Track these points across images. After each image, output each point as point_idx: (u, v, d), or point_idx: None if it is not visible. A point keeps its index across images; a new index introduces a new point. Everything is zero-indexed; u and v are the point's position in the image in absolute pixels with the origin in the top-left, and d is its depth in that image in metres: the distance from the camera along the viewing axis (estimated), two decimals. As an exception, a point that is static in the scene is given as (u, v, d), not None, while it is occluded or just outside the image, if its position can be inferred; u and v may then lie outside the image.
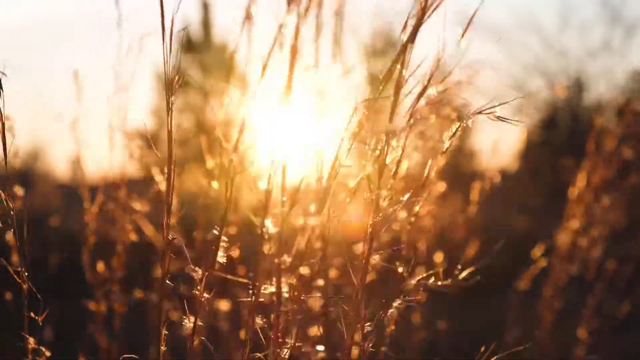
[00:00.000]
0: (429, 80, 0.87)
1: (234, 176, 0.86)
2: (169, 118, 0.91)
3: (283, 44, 0.81)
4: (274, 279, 0.86)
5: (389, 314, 0.90)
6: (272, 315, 0.87)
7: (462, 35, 0.87)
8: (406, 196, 0.89)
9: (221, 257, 0.90)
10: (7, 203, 1.00)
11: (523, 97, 12.83)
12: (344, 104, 0.82)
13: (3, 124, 0.99)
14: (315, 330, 1.25)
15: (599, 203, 2.28)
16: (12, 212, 1.01)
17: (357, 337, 0.90)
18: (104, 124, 1.91)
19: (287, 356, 0.87)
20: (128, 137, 1.95)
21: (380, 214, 0.88)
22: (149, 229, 1.99)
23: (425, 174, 0.98)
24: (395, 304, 0.90)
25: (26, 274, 1.06)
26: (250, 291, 0.88)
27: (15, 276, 1.06)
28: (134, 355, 1.01)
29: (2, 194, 0.99)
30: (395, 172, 0.88)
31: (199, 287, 0.89)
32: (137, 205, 1.93)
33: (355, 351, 0.91)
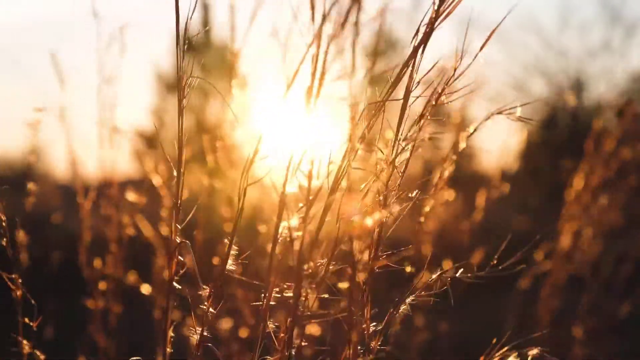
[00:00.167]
0: (443, 86, 0.87)
1: (246, 187, 0.86)
2: (180, 122, 0.90)
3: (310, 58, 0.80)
4: (293, 283, 0.85)
5: (400, 311, 0.90)
6: (287, 319, 0.87)
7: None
8: (415, 195, 0.89)
9: (230, 266, 0.90)
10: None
11: (528, 99, 12.85)
12: (349, 106, 0.82)
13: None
14: (319, 331, 1.26)
15: (596, 203, 2.28)
16: (3, 223, 1.01)
17: (364, 337, 0.90)
18: (92, 119, 1.92)
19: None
20: (118, 133, 1.96)
21: (389, 215, 0.88)
22: (147, 229, 1.99)
23: (435, 176, 0.98)
24: (407, 300, 0.91)
25: (20, 280, 1.06)
26: (262, 295, 0.88)
27: (10, 283, 1.06)
28: (135, 357, 1.01)
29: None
30: (404, 173, 0.89)
31: (206, 303, 0.89)
32: (134, 205, 1.93)
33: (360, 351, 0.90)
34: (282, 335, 0.87)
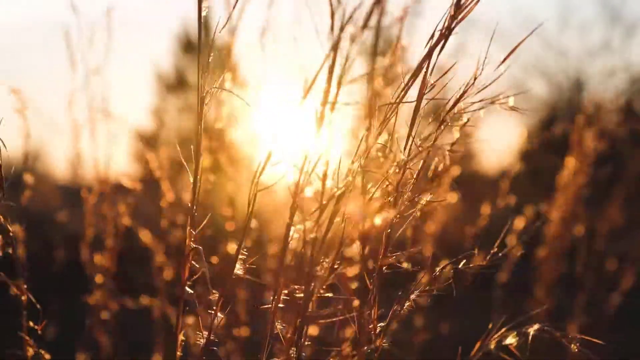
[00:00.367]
0: (463, 92, 0.88)
1: (256, 192, 0.86)
2: (199, 130, 0.90)
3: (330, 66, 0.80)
4: (303, 285, 0.86)
5: (405, 307, 0.90)
6: (297, 320, 0.87)
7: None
8: (425, 197, 0.90)
9: (239, 270, 0.90)
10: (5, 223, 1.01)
11: (523, 97, 12.83)
12: (363, 108, 0.82)
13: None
14: (318, 331, 1.26)
15: (588, 202, 2.29)
16: (10, 233, 1.01)
17: (371, 335, 0.90)
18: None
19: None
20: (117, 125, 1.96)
21: (398, 215, 0.88)
22: (147, 230, 1.99)
23: (435, 174, 0.98)
24: (412, 296, 0.91)
25: (25, 285, 1.06)
26: (273, 296, 0.88)
27: (15, 288, 1.06)
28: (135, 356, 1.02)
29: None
30: (418, 176, 0.89)
31: (214, 308, 0.89)
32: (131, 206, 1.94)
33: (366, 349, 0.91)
34: (290, 335, 0.87)
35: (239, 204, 1.82)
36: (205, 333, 0.90)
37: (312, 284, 0.85)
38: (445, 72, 0.88)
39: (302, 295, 0.86)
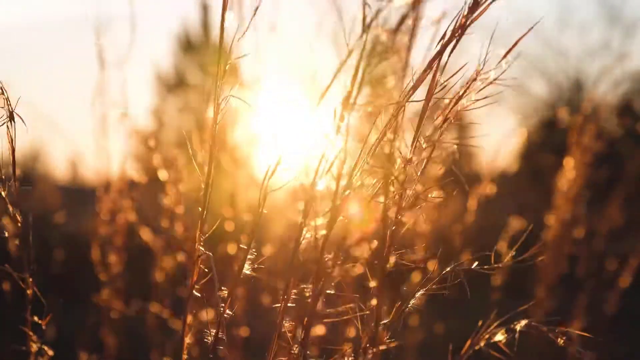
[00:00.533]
0: (465, 89, 0.88)
1: (265, 194, 0.86)
2: (214, 133, 0.89)
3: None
4: (312, 282, 0.86)
5: (410, 304, 0.91)
6: (305, 318, 0.87)
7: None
8: (431, 195, 0.90)
9: (247, 270, 0.90)
10: (13, 215, 1.01)
11: (523, 97, 12.84)
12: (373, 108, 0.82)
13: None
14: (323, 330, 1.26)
15: (587, 202, 2.30)
16: (18, 223, 1.01)
17: (376, 334, 0.90)
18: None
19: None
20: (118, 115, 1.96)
21: (401, 214, 0.88)
22: (148, 231, 1.99)
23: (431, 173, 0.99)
24: (417, 294, 0.91)
25: (30, 280, 1.06)
26: (281, 295, 0.88)
27: (21, 282, 1.06)
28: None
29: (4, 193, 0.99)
30: (422, 174, 0.89)
31: (223, 305, 0.89)
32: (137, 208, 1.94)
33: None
34: (298, 333, 0.87)
35: (243, 205, 1.83)
36: (213, 331, 0.90)
37: (321, 282, 0.85)
38: (454, 74, 0.88)
39: (310, 293, 0.86)
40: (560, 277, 2.34)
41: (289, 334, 0.88)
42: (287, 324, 0.88)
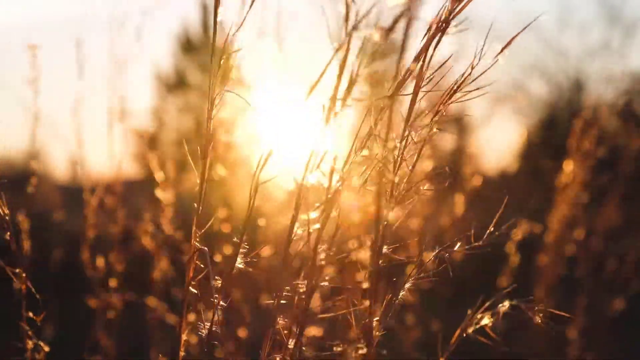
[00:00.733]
0: (455, 83, 0.88)
1: (257, 187, 0.86)
2: (208, 128, 0.90)
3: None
4: (306, 278, 0.86)
5: (399, 296, 0.91)
6: (298, 315, 0.87)
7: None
8: (422, 189, 0.90)
9: (240, 263, 0.90)
10: (2, 208, 1.01)
11: (523, 97, 12.84)
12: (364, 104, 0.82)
13: None
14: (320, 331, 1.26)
15: (587, 203, 2.30)
16: (6, 216, 1.01)
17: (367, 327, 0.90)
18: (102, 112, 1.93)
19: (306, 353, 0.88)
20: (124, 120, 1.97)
21: (393, 207, 0.88)
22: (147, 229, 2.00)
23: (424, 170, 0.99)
24: (407, 286, 0.91)
25: (24, 274, 1.06)
26: (275, 292, 0.88)
27: (13, 277, 1.06)
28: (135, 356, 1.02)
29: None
30: (413, 168, 0.89)
31: (216, 296, 0.89)
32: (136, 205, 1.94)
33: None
34: (290, 330, 0.87)
35: (238, 203, 1.83)
36: (207, 325, 0.90)
37: (314, 277, 0.85)
38: (442, 65, 0.88)
39: (304, 289, 0.86)
40: (560, 278, 2.34)
41: (284, 332, 0.88)
42: (281, 321, 0.88)
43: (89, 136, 1.99)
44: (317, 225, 0.84)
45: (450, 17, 0.86)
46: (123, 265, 1.96)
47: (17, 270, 1.05)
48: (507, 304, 0.90)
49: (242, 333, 1.83)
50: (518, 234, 2.23)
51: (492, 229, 0.94)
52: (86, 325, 2.02)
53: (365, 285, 0.86)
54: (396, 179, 0.88)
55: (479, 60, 0.88)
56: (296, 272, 0.87)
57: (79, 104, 1.92)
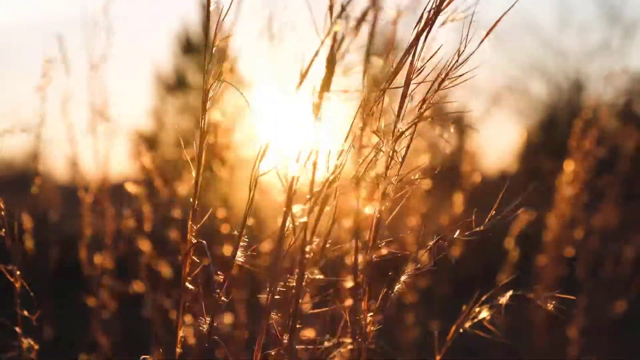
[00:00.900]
0: (445, 72, 0.87)
1: (255, 182, 0.86)
2: (203, 123, 0.90)
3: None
4: (296, 272, 0.85)
5: (395, 290, 0.90)
6: (290, 310, 0.87)
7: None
8: (415, 182, 0.90)
9: (240, 257, 0.89)
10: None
11: (523, 97, 12.85)
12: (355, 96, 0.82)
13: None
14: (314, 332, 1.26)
15: (582, 201, 2.30)
16: (1, 211, 1.01)
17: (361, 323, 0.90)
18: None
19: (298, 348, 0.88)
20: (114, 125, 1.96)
21: (387, 203, 0.88)
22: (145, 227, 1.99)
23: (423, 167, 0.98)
24: (402, 279, 0.91)
25: (18, 272, 1.05)
26: (268, 288, 0.87)
27: (8, 275, 1.05)
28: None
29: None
30: (404, 160, 0.89)
31: (218, 291, 0.88)
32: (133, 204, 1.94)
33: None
34: (284, 325, 0.87)
35: (235, 199, 1.83)
36: (209, 319, 0.90)
37: (304, 270, 0.85)
38: (433, 55, 0.88)
39: (294, 283, 0.86)
40: (560, 278, 2.34)
41: (278, 328, 0.88)
42: (275, 315, 0.88)
43: (87, 135, 1.99)
44: (305, 219, 0.83)
45: (442, 7, 0.85)
46: (120, 264, 1.96)
47: (12, 268, 1.04)
48: (507, 295, 0.89)
49: (239, 329, 1.83)
50: (518, 225, 2.23)
51: (493, 213, 0.93)
52: (83, 324, 2.02)
53: (354, 280, 0.85)
54: (388, 172, 0.88)
55: (465, 47, 0.87)
56: (289, 267, 0.87)
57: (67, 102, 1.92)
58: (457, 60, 0.88)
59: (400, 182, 0.89)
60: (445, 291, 2.18)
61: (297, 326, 0.88)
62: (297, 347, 0.88)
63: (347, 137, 0.86)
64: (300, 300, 0.86)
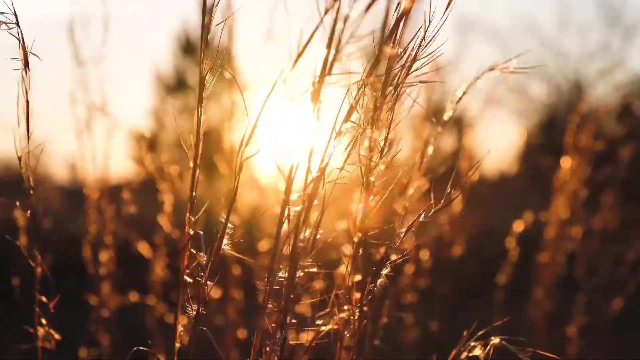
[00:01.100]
0: (415, 54, 0.86)
1: (239, 171, 0.86)
2: (199, 115, 0.90)
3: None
4: (288, 263, 0.86)
5: (378, 283, 0.90)
6: (282, 301, 0.87)
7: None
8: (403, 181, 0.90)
9: (226, 244, 0.89)
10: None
11: (522, 98, 12.85)
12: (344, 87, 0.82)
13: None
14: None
15: (586, 203, 2.30)
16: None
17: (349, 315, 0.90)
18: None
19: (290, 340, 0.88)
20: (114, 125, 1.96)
21: (376, 196, 0.88)
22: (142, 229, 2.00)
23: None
24: (384, 272, 0.90)
25: (39, 257, 1.05)
26: (266, 278, 0.87)
27: (30, 260, 1.04)
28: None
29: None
30: (394, 156, 0.89)
31: (202, 274, 0.88)
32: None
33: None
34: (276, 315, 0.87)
35: (229, 191, 1.83)
36: (195, 305, 0.90)
37: (295, 261, 0.85)
38: (411, 40, 0.86)
39: (286, 273, 0.86)
40: (559, 278, 2.35)
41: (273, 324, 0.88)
42: (271, 305, 0.88)
43: (87, 134, 1.99)
44: (298, 208, 0.84)
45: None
46: (121, 265, 1.96)
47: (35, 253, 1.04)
48: (496, 340, 0.88)
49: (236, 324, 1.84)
50: (518, 227, 2.23)
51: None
52: (84, 323, 2.02)
53: (342, 269, 0.86)
54: (373, 160, 0.88)
55: (430, 21, 0.86)
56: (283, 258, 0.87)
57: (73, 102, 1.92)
58: (423, 37, 0.87)
59: (388, 169, 0.89)
60: (445, 291, 2.18)
61: (291, 319, 0.88)
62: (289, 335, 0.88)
63: (335, 126, 0.85)
64: (290, 292, 0.87)
